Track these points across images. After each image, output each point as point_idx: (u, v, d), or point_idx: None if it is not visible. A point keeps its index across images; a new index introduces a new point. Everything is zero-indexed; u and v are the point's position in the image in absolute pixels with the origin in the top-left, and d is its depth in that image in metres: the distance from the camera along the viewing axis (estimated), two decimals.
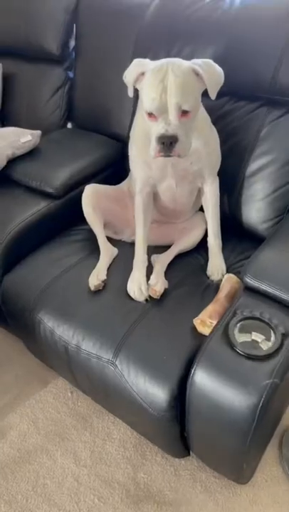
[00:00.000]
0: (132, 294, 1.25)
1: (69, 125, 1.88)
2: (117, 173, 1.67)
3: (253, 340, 1.06)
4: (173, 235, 1.46)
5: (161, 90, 1.02)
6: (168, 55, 1.41)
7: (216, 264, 1.36)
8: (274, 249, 1.17)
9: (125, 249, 1.45)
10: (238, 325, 1.05)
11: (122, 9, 1.63)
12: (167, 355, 1.11)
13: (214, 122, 1.37)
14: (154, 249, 1.42)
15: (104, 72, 1.70)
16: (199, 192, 1.39)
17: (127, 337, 1.16)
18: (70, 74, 1.81)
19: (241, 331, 1.05)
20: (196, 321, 1.15)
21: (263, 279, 1.09)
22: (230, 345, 1.01)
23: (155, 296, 1.24)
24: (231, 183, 1.43)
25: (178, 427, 1.13)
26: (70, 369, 1.31)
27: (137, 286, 1.25)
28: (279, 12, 1.25)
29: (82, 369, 1.25)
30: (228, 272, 1.36)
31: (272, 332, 1.03)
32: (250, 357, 0.99)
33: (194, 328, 1.16)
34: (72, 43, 1.77)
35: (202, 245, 1.44)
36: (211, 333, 1.05)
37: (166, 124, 1.04)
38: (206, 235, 1.43)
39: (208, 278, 1.35)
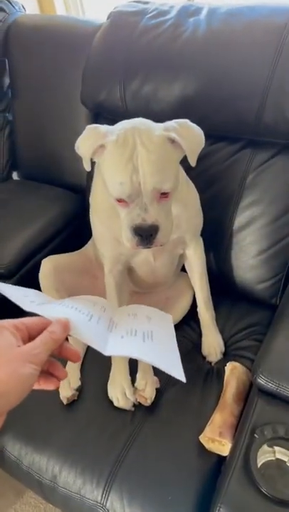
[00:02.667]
0: (115, 403, 0.99)
1: (15, 175, 1.60)
2: (78, 231, 1.40)
3: (277, 459, 0.84)
4: (156, 306, 1.20)
5: (131, 171, 0.77)
6: (124, 95, 1.16)
7: (211, 342, 1.13)
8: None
9: None
10: (260, 450, 0.81)
11: (60, 39, 1.36)
12: (173, 491, 0.86)
13: (189, 167, 1.14)
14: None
15: (48, 112, 1.43)
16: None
17: (118, 469, 0.90)
18: (9, 116, 1.53)
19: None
20: (204, 439, 0.90)
21: (282, 379, 0.86)
22: (255, 484, 0.77)
23: (145, 404, 0.99)
24: (217, 237, 1.20)
25: None
26: (49, 500, 1.04)
27: (120, 392, 0.99)
28: (256, 36, 1.02)
29: (63, 505, 0.99)
30: (226, 348, 1.14)
31: None
32: (283, 502, 0.75)
33: (201, 443, 0.92)
34: (6, 81, 1.48)
35: (190, 314, 1.20)
36: (229, 469, 0.80)
37: (141, 211, 0.79)
38: (194, 303, 1.19)
39: (205, 359, 1.12)
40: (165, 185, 0.79)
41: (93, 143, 0.81)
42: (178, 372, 0.55)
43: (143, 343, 0.59)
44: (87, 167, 0.84)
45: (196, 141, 0.85)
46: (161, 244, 0.83)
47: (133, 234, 0.81)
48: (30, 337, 0.52)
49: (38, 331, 0.53)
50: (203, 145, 0.86)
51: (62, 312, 0.57)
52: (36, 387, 0.52)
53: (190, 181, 1.03)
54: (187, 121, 0.85)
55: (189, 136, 0.82)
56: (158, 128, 0.81)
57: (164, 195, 0.81)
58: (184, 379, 0.53)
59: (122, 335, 0.60)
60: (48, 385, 0.54)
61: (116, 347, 0.57)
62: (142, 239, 0.81)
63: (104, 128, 0.83)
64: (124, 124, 0.83)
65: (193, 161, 0.84)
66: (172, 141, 0.81)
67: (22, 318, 0.54)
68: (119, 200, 0.81)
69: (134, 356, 0.57)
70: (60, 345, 0.53)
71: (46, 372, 0.54)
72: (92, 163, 0.87)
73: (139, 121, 0.84)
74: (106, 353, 0.55)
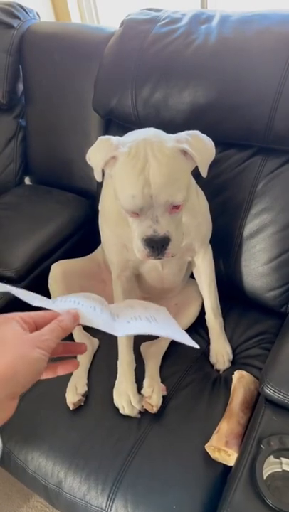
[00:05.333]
0: (120, 410, 0.99)
1: (27, 180, 1.62)
2: (88, 236, 1.41)
3: (284, 470, 0.82)
4: None
5: (143, 184, 0.77)
6: (135, 102, 1.17)
7: (219, 350, 1.12)
8: None
9: (107, 336, 1.19)
10: (266, 461, 0.80)
11: (73, 46, 1.38)
12: (178, 500, 0.86)
13: (199, 173, 1.14)
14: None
15: (60, 119, 1.44)
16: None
17: (123, 476, 0.90)
18: (22, 122, 1.55)
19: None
20: (209, 448, 0.90)
21: None
22: (260, 495, 0.76)
23: (152, 412, 0.98)
24: (227, 244, 1.20)
25: None
26: (54, 505, 1.04)
27: (126, 400, 0.99)
28: (268, 44, 1.01)
29: (68, 510, 0.98)
30: (235, 356, 1.13)
31: None
32: None
33: (207, 452, 0.91)
34: (20, 87, 1.50)
35: (199, 322, 1.19)
36: (234, 480, 0.80)
37: (153, 222, 0.80)
38: (202, 310, 1.19)
39: (213, 367, 1.11)
40: (177, 198, 0.79)
41: (105, 154, 0.81)
42: (190, 342, 0.61)
43: (150, 324, 0.62)
44: (98, 178, 0.84)
45: (207, 152, 0.85)
46: (172, 255, 0.84)
47: (144, 245, 0.82)
48: (37, 330, 0.53)
49: (46, 324, 0.53)
50: (213, 156, 0.86)
51: (68, 306, 0.58)
52: (51, 375, 0.55)
53: (199, 189, 1.03)
54: (197, 132, 0.85)
55: (200, 147, 0.83)
56: (170, 140, 0.81)
57: (176, 206, 0.81)
58: (197, 345, 0.59)
59: (127, 320, 0.62)
60: (66, 368, 0.56)
61: (126, 328, 0.60)
62: (154, 250, 0.82)
63: (116, 139, 0.83)
64: (136, 136, 0.83)
65: (204, 172, 0.84)
66: (184, 152, 0.81)
67: (29, 312, 0.54)
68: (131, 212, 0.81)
69: (147, 331, 0.60)
70: (66, 346, 0.55)
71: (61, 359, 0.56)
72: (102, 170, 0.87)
73: (151, 133, 0.84)
74: (118, 334, 0.57)
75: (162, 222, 0.80)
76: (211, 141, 0.86)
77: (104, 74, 1.22)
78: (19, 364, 0.45)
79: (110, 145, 0.82)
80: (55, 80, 1.42)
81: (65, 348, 0.57)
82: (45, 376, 0.55)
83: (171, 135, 0.83)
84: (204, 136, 0.86)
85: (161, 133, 0.84)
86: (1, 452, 0.40)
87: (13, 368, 0.44)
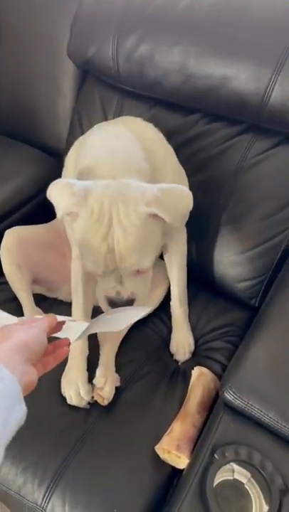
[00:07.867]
0: (68, 400, 0.91)
1: None
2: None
3: (234, 479, 0.78)
4: None
5: (106, 251, 0.69)
6: (117, 52, 1.02)
7: (181, 340, 1.05)
8: (267, 345, 0.85)
9: (62, 312, 1.08)
10: (218, 472, 0.75)
11: None
12: (120, 502, 0.80)
13: (180, 146, 1.02)
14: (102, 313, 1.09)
15: (30, 63, 1.27)
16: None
17: (63, 472, 0.83)
18: None
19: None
20: (159, 450, 0.83)
21: (252, 398, 0.78)
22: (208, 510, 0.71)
23: (102, 404, 0.90)
24: (202, 227, 1.10)
25: None
26: None
27: (74, 390, 0.91)
28: (273, 11, 0.88)
29: (3, 501, 0.92)
30: (197, 347, 1.06)
31: (266, 486, 0.74)
32: None
33: (155, 452, 0.85)
34: None
35: (163, 306, 1.11)
36: (183, 490, 0.74)
37: (117, 283, 0.73)
38: (167, 295, 1.10)
39: (172, 356, 1.04)
40: (143, 264, 0.71)
41: (65, 207, 0.71)
42: (141, 312, 0.69)
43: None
44: (59, 216, 0.73)
45: (181, 210, 0.74)
46: None
47: (107, 304, 0.75)
48: None
49: None
50: (190, 209, 0.74)
51: None
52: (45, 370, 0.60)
53: (181, 168, 0.92)
54: (171, 186, 0.73)
55: (173, 206, 0.71)
56: (138, 199, 0.69)
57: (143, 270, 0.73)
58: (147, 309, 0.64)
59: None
60: (59, 357, 0.62)
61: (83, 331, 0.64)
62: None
63: (78, 187, 0.70)
64: (102, 187, 0.70)
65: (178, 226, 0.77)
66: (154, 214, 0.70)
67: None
68: None
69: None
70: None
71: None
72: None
73: (121, 186, 0.70)
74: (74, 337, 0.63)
75: (127, 285, 0.73)
76: (188, 193, 0.73)
77: (84, 14, 1.05)
78: (28, 335, 0.55)
79: (72, 196, 0.70)
80: (27, 14, 1.23)
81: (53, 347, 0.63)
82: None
83: (140, 188, 0.70)
84: (178, 189, 0.73)
85: (131, 186, 0.70)
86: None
87: (25, 339, 0.54)
